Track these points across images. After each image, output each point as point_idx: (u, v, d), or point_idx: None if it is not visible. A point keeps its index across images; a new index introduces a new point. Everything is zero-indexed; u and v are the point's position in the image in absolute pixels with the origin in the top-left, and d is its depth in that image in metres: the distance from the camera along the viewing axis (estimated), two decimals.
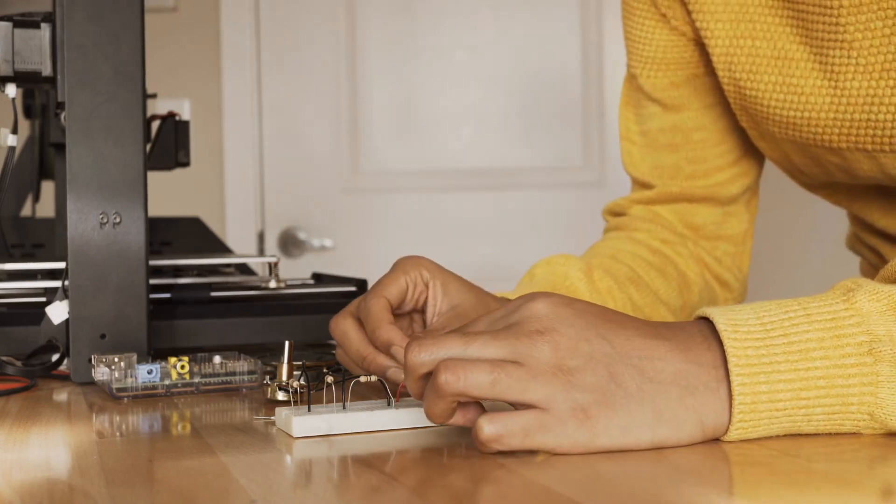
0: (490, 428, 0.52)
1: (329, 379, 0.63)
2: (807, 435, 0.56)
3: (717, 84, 0.94)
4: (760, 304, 0.56)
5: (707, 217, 1.00)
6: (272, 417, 0.66)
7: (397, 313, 0.73)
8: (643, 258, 0.97)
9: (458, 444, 0.57)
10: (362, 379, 0.65)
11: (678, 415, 0.54)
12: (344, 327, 0.72)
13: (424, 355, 0.54)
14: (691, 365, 0.54)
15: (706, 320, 0.57)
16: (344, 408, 0.62)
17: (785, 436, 0.57)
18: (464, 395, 0.52)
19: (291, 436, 0.60)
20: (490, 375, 0.52)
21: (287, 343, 0.72)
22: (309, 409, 0.61)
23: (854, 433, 0.56)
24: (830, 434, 0.56)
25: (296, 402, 0.70)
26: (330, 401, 0.64)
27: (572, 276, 0.91)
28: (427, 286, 0.74)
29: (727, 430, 0.54)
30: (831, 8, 0.77)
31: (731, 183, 0.99)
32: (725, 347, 0.54)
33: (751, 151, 0.99)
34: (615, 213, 1.06)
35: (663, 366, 0.54)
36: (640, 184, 1.03)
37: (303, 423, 0.60)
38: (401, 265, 0.74)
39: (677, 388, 0.54)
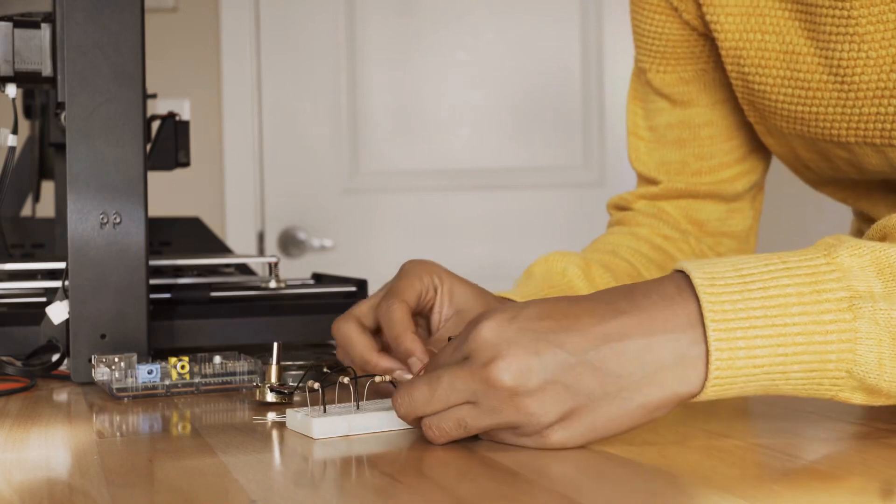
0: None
1: (345, 379, 0.63)
2: (808, 435, 0.56)
3: (725, 80, 0.94)
4: (739, 258, 0.55)
5: (711, 213, 1.00)
6: (268, 418, 0.66)
7: None
8: (644, 254, 0.97)
9: (462, 444, 0.57)
10: (377, 379, 0.65)
11: (648, 395, 0.53)
12: (346, 330, 0.72)
13: (403, 409, 0.57)
14: (656, 336, 0.53)
15: (684, 274, 0.56)
16: (357, 408, 0.62)
17: (786, 435, 0.57)
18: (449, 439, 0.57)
19: (311, 437, 0.59)
20: (458, 426, 0.56)
21: (276, 344, 0.71)
22: (325, 410, 0.61)
23: (860, 439, 0.56)
24: (833, 434, 0.56)
25: (288, 404, 0.70)
26: (332, 401, 0.64)
27: (570, 272, 0.91)
28: (436, 292, 0.74)
29: (703, 387, 0.53)
30: (843, 0, 0.77)
31: (736, 180, 0.99)
32: (702, 303, 0.53)
33: (758, 149, 0.98)
34: (619, 207, 1.06)
35: (623, 347, 0.53)
36: (645, 179, 1.02)
37: (323, 425, 0.60)
38: (414, 270, 0.74)
39: (642, 370, 0.53)
